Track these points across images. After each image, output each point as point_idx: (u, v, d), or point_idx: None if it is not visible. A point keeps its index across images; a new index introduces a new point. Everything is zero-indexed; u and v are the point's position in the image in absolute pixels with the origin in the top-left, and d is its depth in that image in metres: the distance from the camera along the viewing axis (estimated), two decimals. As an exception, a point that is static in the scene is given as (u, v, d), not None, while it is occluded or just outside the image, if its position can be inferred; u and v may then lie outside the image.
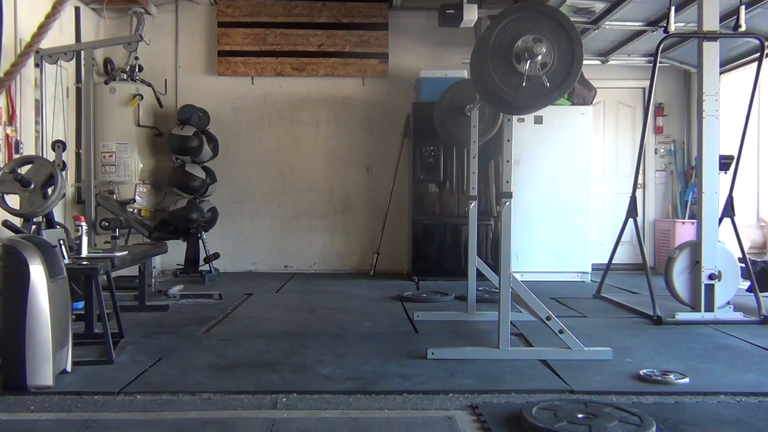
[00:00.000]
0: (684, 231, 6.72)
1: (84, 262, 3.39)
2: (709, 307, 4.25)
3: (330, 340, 3.72)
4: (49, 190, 3.59)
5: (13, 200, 3.68)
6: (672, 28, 4.53)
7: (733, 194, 4.69)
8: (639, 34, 6.29)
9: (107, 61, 6.54)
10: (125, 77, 6.36)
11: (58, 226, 3.90)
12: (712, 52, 4.30)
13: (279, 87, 7.08)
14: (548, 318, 3.31)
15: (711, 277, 4.25)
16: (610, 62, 7.12)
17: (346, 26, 7.04)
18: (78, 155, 5.93)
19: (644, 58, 7.10)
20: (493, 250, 6.28)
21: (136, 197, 6.15)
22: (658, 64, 4.63)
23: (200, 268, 6.34)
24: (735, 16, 4.53)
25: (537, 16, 2.94)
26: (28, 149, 4.91)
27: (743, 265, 4.53)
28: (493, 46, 2.93)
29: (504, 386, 2.80)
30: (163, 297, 5.08)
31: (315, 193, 7.15)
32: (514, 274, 3.37)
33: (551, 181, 6.36)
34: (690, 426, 2.34)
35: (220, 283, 6.01)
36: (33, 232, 3.47)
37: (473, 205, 4.38)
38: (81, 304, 3.77)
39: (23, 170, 3.67)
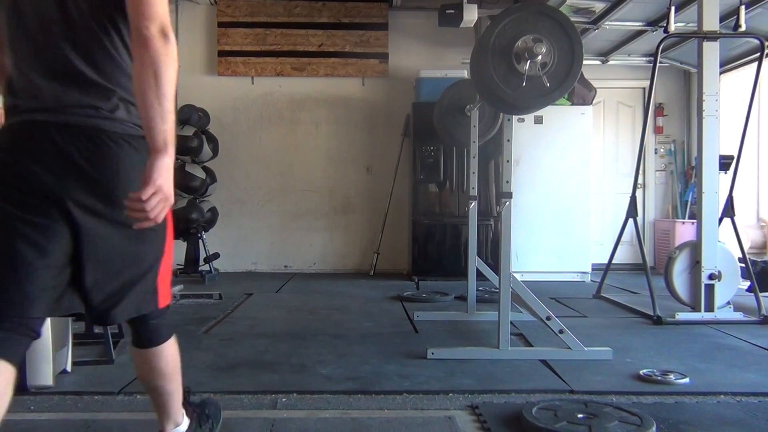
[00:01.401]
0: (684, 231, 6.72)
1: (84, 262, 3.39)
2: (709, 307, 4.25)
3: (330, 340, 3.72)
4: (49, 190, 3.59)
5: (13, 200, 3.68)
6: (672, 28, 4.53)
7: (733, 194, 4.69)
8: (639, 34, 6.29)
9: (107, 61, 6.54)
10: (125, 77, 6.36)
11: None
12: (712, 52, 4.30)
13: (279, 87, 7.08)
14: (548, 318, 3.31)
15: (711, 277, 4.24)
16: (610, 62, 7.12)
17: (346, 26, 7.04)
18: (78, 155, 5.94)
19: (644, 58, 7.10)
20: (493, 250, 6.28)
21: (136, 197, 6.15)
22: (658, 64, 4.62)
23: (200, 268, 6.34)
24: (735, 16, 4.53)
25: (537, 16, 2.93)
26: (28, 149, 4.91)
27: (743, 265, 4.53)
28: (493, 46, 2.92)
29: (504, 386, 2.80)
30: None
31: (315, 193, 7.15)
32: (514, 274, 3.37)
33: (551, 181, 6.36)
34: (690, 426, 2.34)
35: (220, 283, 6.01)
36: (33, 232, 3.46)
37: (473, 205, 4.37)
38: (81, 304, 3.76)
39: (23, 170, 3.66)
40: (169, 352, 1.80)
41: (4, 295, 1.43)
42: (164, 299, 1.70)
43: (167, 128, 1.44)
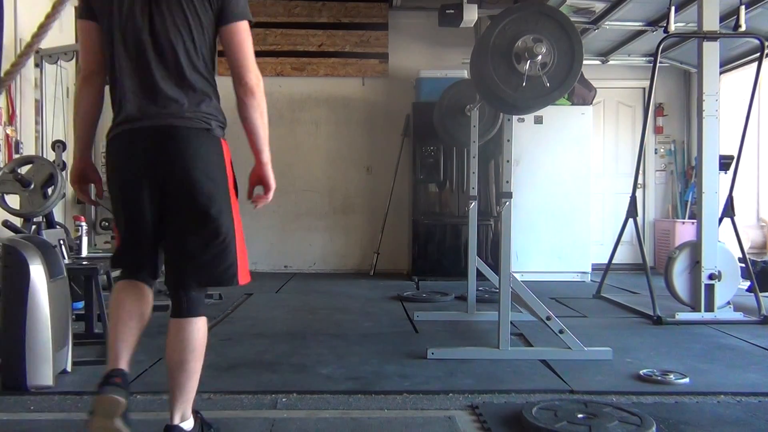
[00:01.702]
0: (684, 231, 6.72)
1: (84, 262, 3.39)
2: (709, 307, 4.25)
3: (330, 340, 3.72)
4: (49, 190, 3.59)
5: (13, 200, 3.68)
6: (672, 28, 4.53)
7: (733, 194, 4.69)
8: (639, 34, 6.29)
9: (107, 61, 6.53)
10: (125, 77, 6.35)
11: (58, 226, 3.90)
12: (712, 52, 4.30)
13: (279, 87, 7.07)
14: (548, 318, 3.31)
15: (711, 277, 4.24)
16: (610, 62, 7.12)
17: (346, 26, 7.03)
18: (78, 155, 5.93)
19: (644, 58, 7.10)
20: (493, 250, 6.28)
21: (136, 197, 6.14)
22: (658, 64, 4.63)
23: (200, 268, 6.32)
24: (735, 16, 4.53)
25: (537, 16, 2.93)
26: (28, 149, 4.91)
27: (743, 265, 4.52)
28: (493, 46, 2.93)
29: (504, 386, 2.80)
30: (163, 297, 5.07)
31: (315, 193, 7.15)
32: (514, 274, 3.37)
33: (551, 181, 6.36)
34: (690, 426, 2.34)
35: (220, 283, 6.00)
36: (33, 232, 3.47)
37: (473, 205, 4.38)
38: (81, 304, 3.77)
39: (23, 170, 3.67)
40: (202, 327, 2.08)
41: (137, 258, 2.03)
42: (243, 278, 2.11)
43: (268, 148, 2.03)
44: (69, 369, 2.93)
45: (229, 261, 2.04)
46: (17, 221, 3.62)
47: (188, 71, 1.93)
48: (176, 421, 2.02)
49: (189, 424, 2.05)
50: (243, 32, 1.94)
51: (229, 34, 1.94)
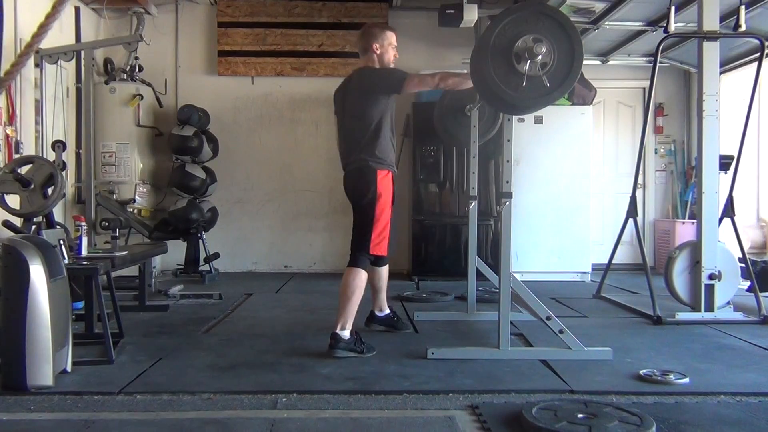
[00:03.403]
0: (684, 231, 6.72)
1: (84, 262, 3.39)
2: (709, 307, 4.25)
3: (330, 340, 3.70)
4: (49, 190, 3.59)
5: (13, 200, 3.68)
6: (672, 28, 4.53)
7: (733, 194, 4.69)
8: (639, 34, 6.29)
9: (107, 61, 6.54)
10: (125, 77, 6.36)
11: (58, 226, 3.90)
12: (712, 52, 4.30)
13: (279, 87, 7.07)
14: (548, 318, 3.31)
15: (711, 277, 4.24)
16: (610, 62, 7.12)
17: (346, 26, 7.03)
18: (78, 155, 5.93)
19: (644, 58, 7.10)
20: (493, 250, 6.28)
21: (136, 197, 6.15)
22: (658, 64, 4.63)
23: (200, 268, 6.34)
24: (735, 16, 4.53)
25: (537, 16, 2.93)
26: (28, 149, 4.91)
27: (743, 265, 4.52)
28: (493, 46, 2.92)
29: (504, 386, 2.81)
30: (163, 297, 5.08)
31: (315, 193, 7.15)
32: (514, 274, 3.37)
33: (551, 181, 6.36)
34: (690, 426, 2.34)
35: (220, 283, 6.01)
36: (33, 232, 3.47)
37: (473, 205, 4.38)
38: (81, 304, 3.77)
39: (23, 170, 3.67)
40: (351, 274, 3.46)
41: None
42: (374, 249, 3.49)
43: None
44: (69, 369, 2.93)
45: (366, 238, 3.45)
46: (17, 221, 3.62)
47: (358, 137, 3.52)
48: (337, 329, 3.31)
49: (346, 334, 3.31)
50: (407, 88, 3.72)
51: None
